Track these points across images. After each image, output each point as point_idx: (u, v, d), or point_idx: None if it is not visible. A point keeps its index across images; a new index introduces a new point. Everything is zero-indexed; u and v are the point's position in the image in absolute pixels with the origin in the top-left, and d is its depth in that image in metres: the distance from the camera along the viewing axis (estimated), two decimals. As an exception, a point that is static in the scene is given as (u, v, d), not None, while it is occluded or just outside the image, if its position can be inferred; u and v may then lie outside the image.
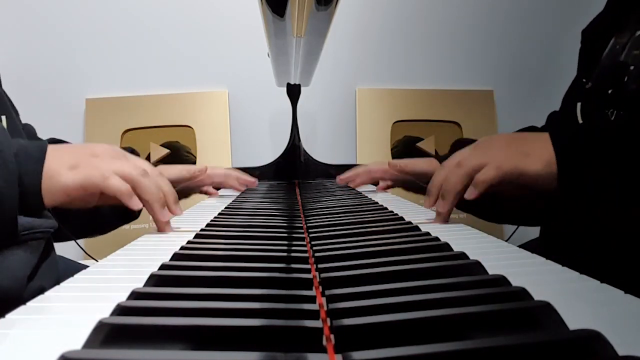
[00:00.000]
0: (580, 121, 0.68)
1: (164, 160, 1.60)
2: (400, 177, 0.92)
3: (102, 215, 0.76)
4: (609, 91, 0.63)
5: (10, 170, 0.46)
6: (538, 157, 0.54)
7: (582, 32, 0.77)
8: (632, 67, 0.61)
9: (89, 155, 0.53)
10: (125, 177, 0.52)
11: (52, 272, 0.57)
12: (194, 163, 1.59)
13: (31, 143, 0.51)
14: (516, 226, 0.89)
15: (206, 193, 1.05)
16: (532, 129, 0.88)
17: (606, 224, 0.55)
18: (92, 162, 0.52)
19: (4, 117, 0.65)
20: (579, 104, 0.69)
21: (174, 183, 0.82)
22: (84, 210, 0.59)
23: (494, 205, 0.69)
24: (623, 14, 0.67)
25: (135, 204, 0.53)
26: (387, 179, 0.98)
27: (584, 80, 0.70)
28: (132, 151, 0.85)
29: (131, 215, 0.79)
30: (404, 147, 1.68)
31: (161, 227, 0.58)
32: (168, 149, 1.62)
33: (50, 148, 0.51)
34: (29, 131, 0.81)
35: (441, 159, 0.89)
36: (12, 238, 0.47)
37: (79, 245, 0.76)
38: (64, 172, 0.50)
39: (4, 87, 0.70)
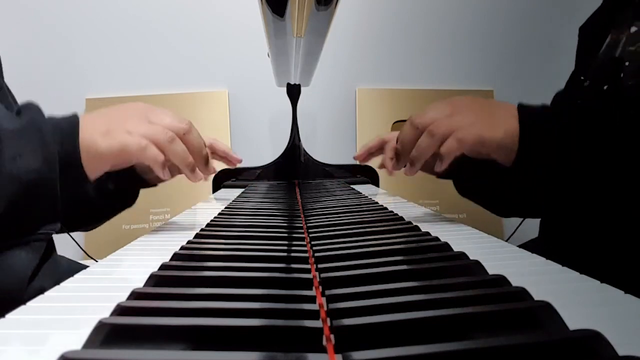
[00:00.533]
0: None
1: None
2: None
3: (97, 208, 0.76)
4: (605, 87, 0.63)
5: (50, 151, 0.46)
6: (502, 127, 0.54)
7: (579, 29, 0.76)
8: (627, 63, 0.61)
9: (120, 119, 0.53)
10: (154, 142, 0.53)
11: (53, 273, 0.57)
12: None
13: (62, 119, 0.51)
14: (516, 226, 0.88)
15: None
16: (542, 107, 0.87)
17: (606, 224, 0.55)
18: (124, 127, 0.52)
19: None
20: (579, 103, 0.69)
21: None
22: (77, 201, 0.59)
23: (495, 194, 0.69)
24: (619, 10, 0.67)
25: (166, 175, 0.55)
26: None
27: (582, 78, 0.70)
28: None
29: (127, 203, 0.79)
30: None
31: (193, 180, 0.59)
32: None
33: (82, 118, 0.51)
34: None
35: None
36: (55, 218, 0.48)
37: (79, 245, 0.76)
38: (99, 140, 0.50)
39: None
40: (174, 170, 0.63)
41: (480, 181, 0.67)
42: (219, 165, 1.09)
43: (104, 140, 0.50)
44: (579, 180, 0.52)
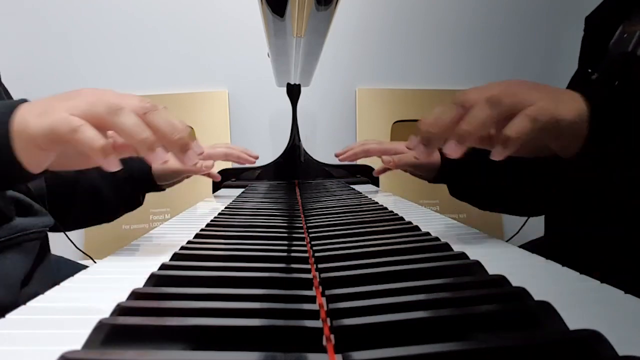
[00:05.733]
0: None
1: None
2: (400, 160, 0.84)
3: (105, 202, 0.74)
4: (616, 83, 0.62)
5: None
6: (571, 106, 0.45)
7: (585, 19, 0.74)
8: None
9: (63, 98, 0.42)
10: (96, 117, 0.40)
11: (48, 277, 0.54)
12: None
13: (3, 102, 0.44)
14: (517, 229, 0.88)
15: (208, 176, 0.99)
16: None
17: (607, 223, 0.54)
18: (62, 106, 0.41)
19: None
20: None
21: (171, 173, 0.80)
22: (87, 196, 0.56)
23: (492, 191, 0.68)
24: (631, 2, 0.66)
25: (109, 164, 0.40)
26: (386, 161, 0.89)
27: (590, 70, 0.69)
28: None
29: (136, 202, 0.78)
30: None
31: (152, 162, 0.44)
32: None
33: (27, 103, 0.43)
34: None
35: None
36: None
37: (76, 246, 0.76)
38: (32, 120, 0.41)
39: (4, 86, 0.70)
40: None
41: (478, 183, 0.65)
42: (218, 165, 1.09)
43: (36, 121, 0.40)
44: None
